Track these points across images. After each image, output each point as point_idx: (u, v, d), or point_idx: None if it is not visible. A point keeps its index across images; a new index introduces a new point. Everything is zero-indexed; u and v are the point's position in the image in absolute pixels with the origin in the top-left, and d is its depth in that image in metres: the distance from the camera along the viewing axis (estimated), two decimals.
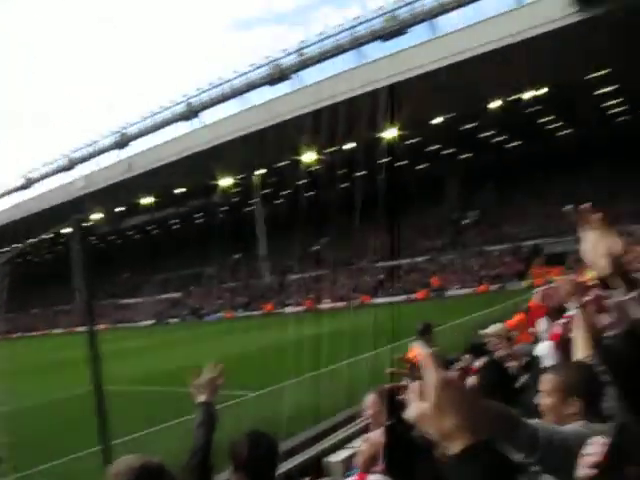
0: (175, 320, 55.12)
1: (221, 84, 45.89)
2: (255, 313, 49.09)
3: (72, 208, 53.85)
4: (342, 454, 6.61)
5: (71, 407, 12.93)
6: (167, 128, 50.44)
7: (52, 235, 54.33)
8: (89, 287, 5.72)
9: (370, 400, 3.42)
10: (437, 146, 51.02)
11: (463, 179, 52.57)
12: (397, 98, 32.94)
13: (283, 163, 50.17)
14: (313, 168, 49.76)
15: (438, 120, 41.75)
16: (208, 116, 47.91)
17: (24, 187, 67.46)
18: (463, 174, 52.83)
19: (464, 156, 54.33)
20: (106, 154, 56.56)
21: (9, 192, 70.18)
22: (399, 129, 39.68)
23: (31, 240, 56.47)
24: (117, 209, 60.86)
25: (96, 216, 57.63)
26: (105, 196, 53.60)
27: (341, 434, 7.44)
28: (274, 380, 12.46)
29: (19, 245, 65.97)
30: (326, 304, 44.37)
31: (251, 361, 17.69)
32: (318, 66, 41.11)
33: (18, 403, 9.49)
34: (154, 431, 9.14)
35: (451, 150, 52.73)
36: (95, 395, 4.94)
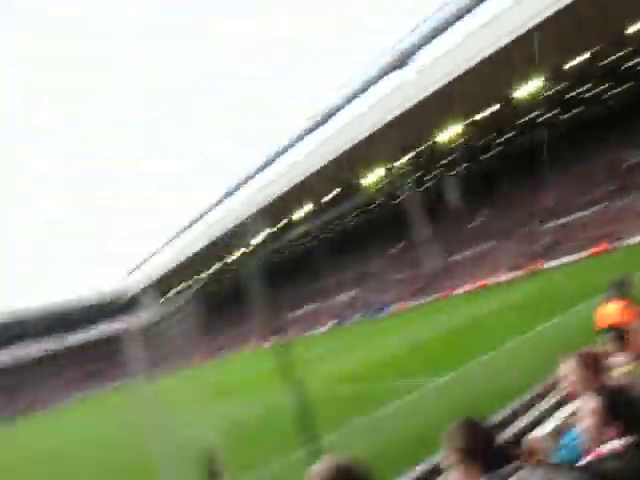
0: (352, 320, 56.49)
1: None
2: (430, 299, 48.80)
3: (238, 232, 58.03)
4: (547, 427, 6.37)
5: (278, 415, 13.94)
6: (306, 139, 52.11)
7: (229, 261, 58.91)
8: (274, 302, 6.14)
9: (570, 366, 3.24)
10: (585, 87, 47.30)
11: (622, 115, 48.05)
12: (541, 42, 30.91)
13: (426, 144, 49.75)
14: (458, 142, 49.06)
15: (579, 60, 38.49)
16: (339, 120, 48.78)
17: (194, 222, 73.69)
18: (620, 110, 48.38)
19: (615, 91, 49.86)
20: (257, 176, 59.84)
21: (181, 231, 77.18)
22: (545, 78, 37.64)
23: (216, 266, 61.64)
24: (276, 226, 64.25)
25: (261, 236, 61.72)
26: (265, 214, 56.86)
27: (540, 407, 7.18)
28: (462, 362, 12.39)
29: (206, 271, 72.75)
30: (499, 277, 43.08)
31: (438, 346, 17.67)
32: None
33: (232, 417, 10.44)
34: (356, 428, 9.59)
35: (601, 88, 48.58)
36: (297, 401, 5.33)
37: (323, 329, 58.63)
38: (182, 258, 71.69)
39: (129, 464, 12.86)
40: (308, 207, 59.55)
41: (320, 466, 1.98)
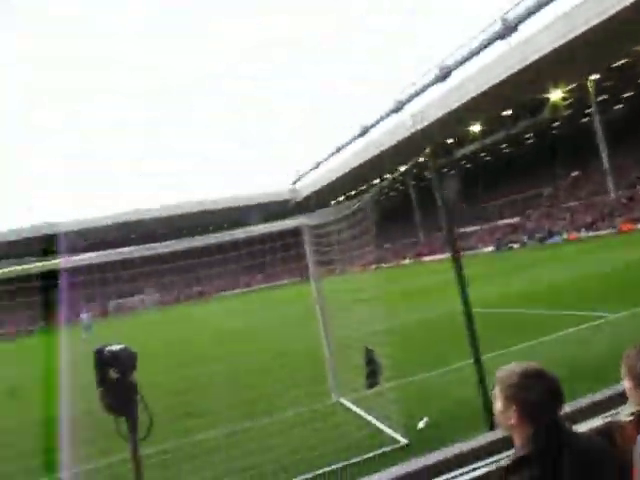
0: (516, 245, 54.53)
1: None
2: (602, 232, 45.35)
3: (406, 146, 57.34)
4: None
5: (437, 326, 14.24)
6: (486, 51, 48.74)
7: (398, 174, 58.86)
8: (450, 216, 6.11)
9: None
10: None
11: None
12: None
13: (621, 61, 44.45)
14: None
15: None
16: (527, 30, 44.69)
17: (362, 134, 73.98)
18: None
19: None
20: (430, 89, 57.89)
21: (349, 142, 77.92)
22: None
23: (385, 179, 62.15)
24: (448, 141, 62.41)
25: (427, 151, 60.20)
26: (435, 130, 55.36)
27: None
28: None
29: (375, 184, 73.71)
30: None
31: (608, 281, 16.59)
32: None
33: (392, 322, 10.88)
34: (518, 349, 9.51)
35: None
36: (465, 315, 5.36)
37: (487, 250, 57.41)
38: (356, 164, 72.37)
39: (297, 350, 13.87)
40: (482, 124, 56.97)
41: (510, 368, 2.01)
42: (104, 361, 3.54)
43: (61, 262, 8.28)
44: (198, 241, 10.20)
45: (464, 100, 49.78)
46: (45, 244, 54.02)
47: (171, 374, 13.72)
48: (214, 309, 46.45)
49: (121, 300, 70.97)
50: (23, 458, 7.74)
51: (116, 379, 3.56)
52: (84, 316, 34.81)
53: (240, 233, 8.79)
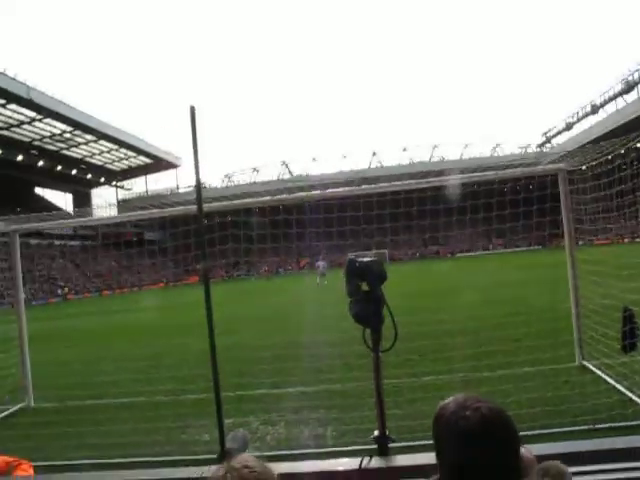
0: None
1: None
2: None
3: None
4: None
5: None
6: None
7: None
8: None
9: None
10: None
11: None
12: None
13: None
14: None
15: None
16: None
17: (626, 91, 65.64)
18: None
19: None
20: None
21: (610, 99, 69.57)
22: None
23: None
24: None
25: None
26: None
27: None
28: None
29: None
30: None
31: None
32: None
33: None
34: None
35: None
36: None
37: None
38: (618, 124, 63.57)
39: (542, 309, 12.79)
40: None
41: None
42: (355, 271, 3.63)
43: (307, 195, 8.54)
44: (439, 181, 9.68)
45: None
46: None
47: (408, 316, 13.56)
48: (453, 267, 45.59)
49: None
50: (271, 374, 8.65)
51: (365, 290, 3.65)
52: (320, 264, 36.79)
53: (490, 174, 8.40)
